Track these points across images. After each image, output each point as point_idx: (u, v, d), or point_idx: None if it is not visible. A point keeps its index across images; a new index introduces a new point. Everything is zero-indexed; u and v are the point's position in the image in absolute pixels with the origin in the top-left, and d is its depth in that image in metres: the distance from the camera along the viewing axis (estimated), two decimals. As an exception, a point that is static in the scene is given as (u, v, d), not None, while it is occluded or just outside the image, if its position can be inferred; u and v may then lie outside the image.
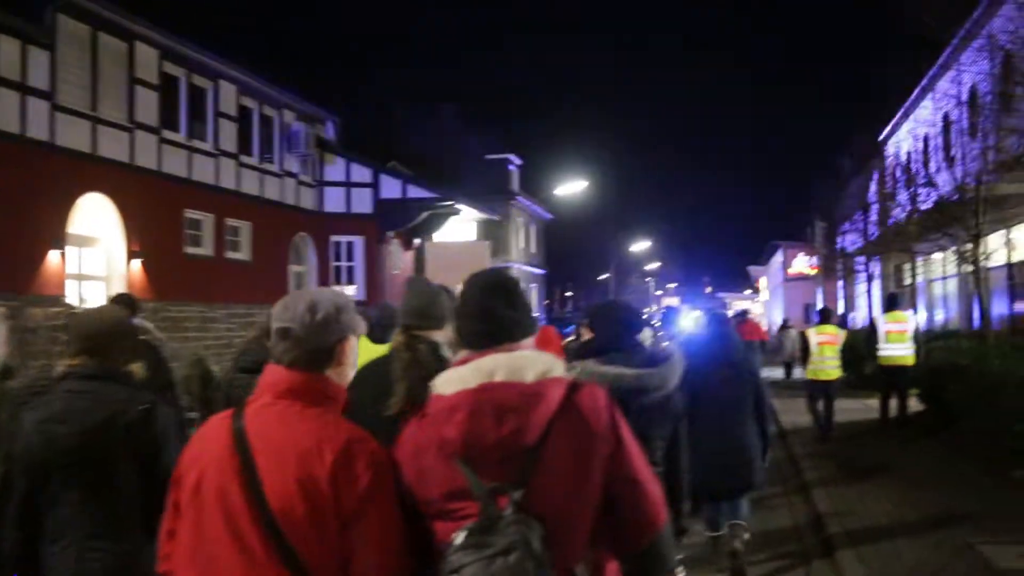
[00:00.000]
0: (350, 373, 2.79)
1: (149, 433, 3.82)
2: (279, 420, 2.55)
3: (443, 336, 3.74)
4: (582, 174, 43.57)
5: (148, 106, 20.85)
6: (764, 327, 48.20)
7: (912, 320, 15.48)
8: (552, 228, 58.69)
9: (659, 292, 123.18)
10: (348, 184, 29.42)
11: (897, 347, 14.78)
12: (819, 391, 15.16)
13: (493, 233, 45.81)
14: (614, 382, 4.17)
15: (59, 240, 17.97)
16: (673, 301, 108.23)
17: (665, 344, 5.47)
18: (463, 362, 2.61)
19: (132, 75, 20.31)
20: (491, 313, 2.66)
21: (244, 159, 24.84)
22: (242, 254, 24.64)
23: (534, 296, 52.98)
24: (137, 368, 4.15)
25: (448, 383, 2.55)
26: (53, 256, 17.77)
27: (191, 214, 22.53)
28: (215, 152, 23.51)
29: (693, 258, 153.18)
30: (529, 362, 2.55)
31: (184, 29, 21.97)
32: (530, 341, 2.72)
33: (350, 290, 29.30)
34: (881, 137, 36.46)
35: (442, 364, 3.07)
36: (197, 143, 22.84)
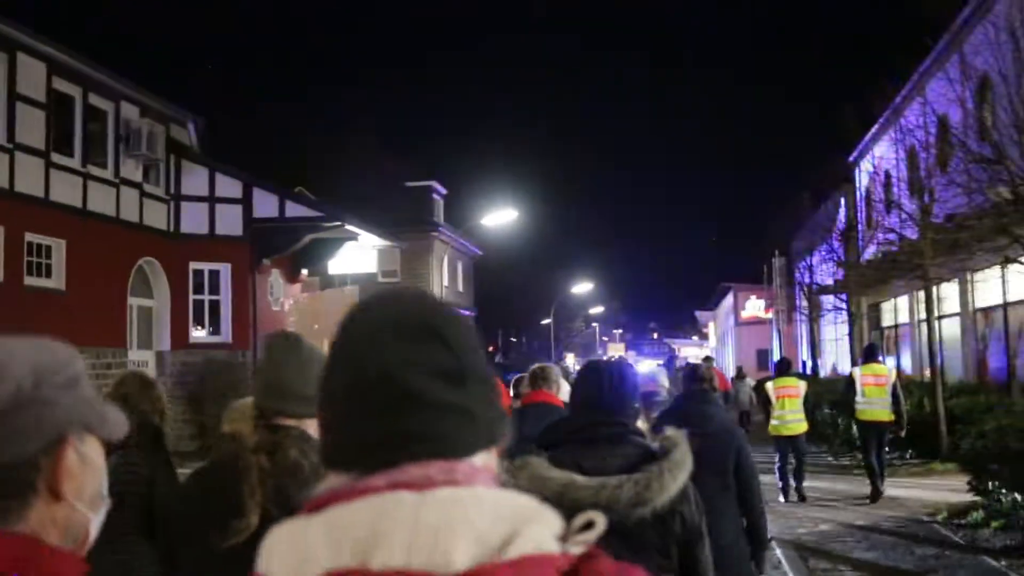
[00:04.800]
0: (91, 515, 1.41)
1: None
2: None
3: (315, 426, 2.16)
4: (514, 205, 38.53)
5: None
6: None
7: (892, 372, 14.28)
8: (484, 266, 53.50)
9: (604, 338, 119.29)
10: (212, 199, 23.76)
11: (875, 401, 13.71)
12: (786, 448, 14.18)
13: (412, 267, 40.81)
14: (562, 494, 2.96)
15: None
16: (619, 348, 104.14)
17: (669, 434, 3.37)
18: (318, 504, 1.14)
19: None
20: (408, 391, 1.16)
21: (58, 159, 19.20)
22: (52, 281, 18.93)
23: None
24: None
25: (278, 557, 1.12)
26: None
27: (-37, 225, 16.83)
28: (7, 146, 17.85)
29: (638, 302, 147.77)
30: (465, 516, 1.07)
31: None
32: (488, 458, 1.20)
33: (213, 330, 23.72)
34: (852, 157, 31.72)
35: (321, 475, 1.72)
36: (-23, 132, 17.18)
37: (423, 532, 1.03)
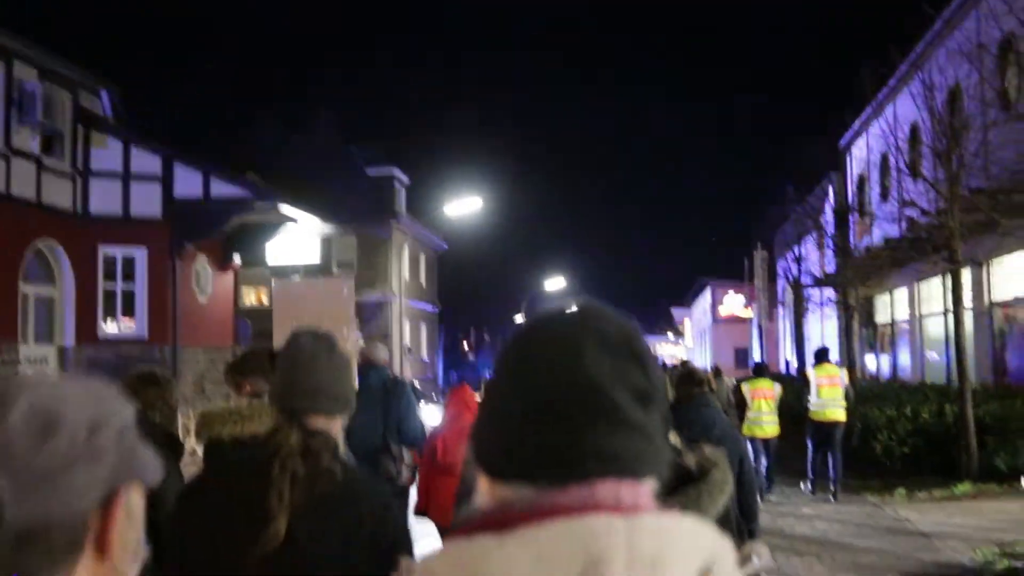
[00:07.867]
0: (131, 571, 1.24)
1: None
2: None
3: (338, 427, 2.56)
4: (481, 196, 35.71)
5: None
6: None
7: (844, 374, 14.69)
8: (449, 261, 50.82)
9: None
10: (127, 176, 21.00)
11: (829, 402, 13.93)
12: (758, 449, 13.98)
13: (370, 258, 38.13)
14: None
15: None
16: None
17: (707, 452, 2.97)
18: (502, 522, 1.08)
19: None
20: (612, 406, 1.13)
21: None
22: (-82, 265, 16.15)
23: (424, 337, 45.02)
24: None
25: None
26: None
27: None
28: None
29: (612, 298, 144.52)
30: (676, 548, 1.08)
31: None
32: (652, 484, 1.18)
33: (127, 323, 20.98)
34: (844, 140, 29.24)
35: (351, 480, 2.37)
36: None
37: (639, 563, 1.02)
